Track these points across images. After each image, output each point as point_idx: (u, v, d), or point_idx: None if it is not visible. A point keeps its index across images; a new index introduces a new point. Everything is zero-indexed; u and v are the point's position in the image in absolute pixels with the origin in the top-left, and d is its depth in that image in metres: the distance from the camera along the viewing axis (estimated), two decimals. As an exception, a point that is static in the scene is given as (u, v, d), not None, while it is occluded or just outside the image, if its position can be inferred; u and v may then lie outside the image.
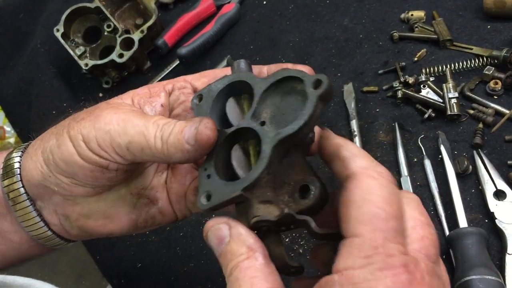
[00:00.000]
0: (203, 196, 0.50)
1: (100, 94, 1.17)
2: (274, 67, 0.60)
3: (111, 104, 0.59)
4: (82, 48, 1.13)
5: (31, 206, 0.61)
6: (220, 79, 0.57)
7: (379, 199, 0.41)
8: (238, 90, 0.57)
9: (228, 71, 0.59)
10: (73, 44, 1.13)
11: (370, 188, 0.42)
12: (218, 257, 0.48)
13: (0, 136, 2.13)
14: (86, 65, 1.10)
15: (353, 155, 0.45)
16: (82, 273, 1.20)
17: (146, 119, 0.55)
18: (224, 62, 1.10)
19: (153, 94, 0.61)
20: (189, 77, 0.63)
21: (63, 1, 1.24)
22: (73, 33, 1.15)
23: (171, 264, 0.88)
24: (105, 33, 1.14)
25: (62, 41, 1.11)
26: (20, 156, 0.62)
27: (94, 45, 1.14)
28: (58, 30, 1.11)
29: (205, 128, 0.52)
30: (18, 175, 0.60)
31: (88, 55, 1.13)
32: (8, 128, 2.11)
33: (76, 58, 1.10)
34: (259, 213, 0.48)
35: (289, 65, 0.58)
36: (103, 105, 0.59)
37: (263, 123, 0.52)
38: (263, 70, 0.60)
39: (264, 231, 0.49)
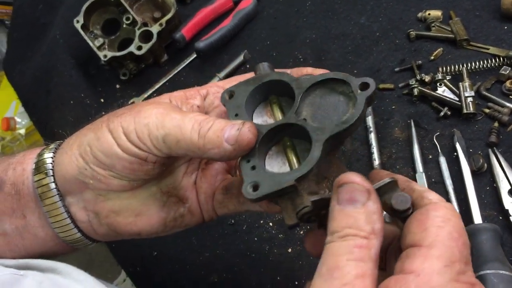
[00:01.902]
0: (249, 186, 0.52)
1: (118, 86, 1.18)
2: (295, 71, 0.61)
3: (151, 101, 0.61)
4: (101, 40, 1.14)
5: (60, 201, 0.62)
6: (251, 78, 0.59)
7: (458, 227, 0.45)
8: (272, 90, 0.59)
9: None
10: (92, 36, 1.15)
11: (450, 216, 0.46)
12: (335, 208, 0.46)
13: (11, 127, 2.14)
14: (105, 56, 1.11)
15: (427, 190, 0.50)
16: (93, 257, 1.22)
17: (184, 113, 0.57)
18: (241, 57, 1.11)
19: (189, 97, 0.63)
20: (221, 83, 0.64)
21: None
22: (92, 24, 1.17)
23: (186, 253, 0.90)
24: (124, 26, 1.15)
25: (82, 32, 1.12)
26: (54, 152, 0.63)
27: (113, 37, 1.16)
28: (78, 22, 1.13)
29: (248, 131, 0.53)
30: (50, 170, 0.61)
31: (106, 46, 1.15)
32: (19, 119, 2.12)
33: (95, 49, 1.12)
34: (308, 203, 0.49)
35: (309, 69, 0.61)
36: (144, 102, 0.61)
37: (304, 120, 0.54)
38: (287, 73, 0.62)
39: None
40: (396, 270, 0.44)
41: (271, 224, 0.89)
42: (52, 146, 0.64)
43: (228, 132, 0.54)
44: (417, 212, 0.47)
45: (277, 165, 0.56)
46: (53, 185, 0.61)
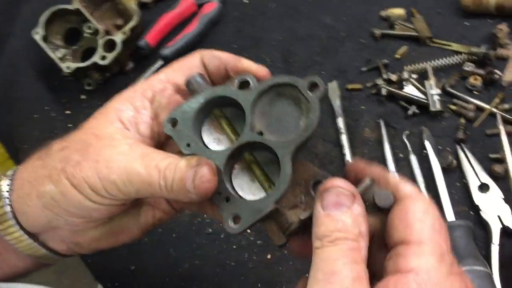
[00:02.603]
0: (229, 220, 0.51)
1: (83, 96, 1.15)
2: (233, 60, 0.59)
3: (102, 138, 0.56)
4: (63, 51, 1.11)
5: (35, 243, 0.60)
6: (190, 98, 0.56)
7: (437, 217, 0.46)
8: (215, 104, 0.57)
9: (194, 56, 0.60)
10: (53, 47, 1.12)
11: (427, 207, 0.47)
12: (320, 213, 0.46)
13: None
14: (68, 67, 1.08)
15: (401, 181, 0.49)
16: (63, 269, 1.20)
17: (146, 164, 0.53)
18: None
19: (138, 109, 0.59)
20: (162, 76, 0.60)
21: (40, 2, 1.22)
22: (53, 35, 1.13)
23: (164, 266, 0.89)
24: (85, 35, 1.13)
25: (42, 44, 1.09)
26: (9, 199, 0.59)
27: (75, 47, 1.13)
28: (37, 33, 1.09)
29: (202, 182, 0.51)
30: (13, 219, 0.58)
31: (69, 57, 1.12)
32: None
33: (57, 61, 1.09)
34: (293, 219, 0.49)
35: (245, 61, 0.59)
36: (94, 140, 0.56)
37: (260, 133, 0.53)
38: (223, 61, 0.60)
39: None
40: (390, 270, 0.44)
41: (248, 231, 0.89)
42: (2, 182, 0.60)
43: (188, 182, 0.52)
44: (396, 208, 0.47)
45: (246, 184, 0.55)
46: (17, 227, 0.58)
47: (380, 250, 0.48)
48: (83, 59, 1.11)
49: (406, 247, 0.44)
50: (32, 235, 0.60)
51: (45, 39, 1.10)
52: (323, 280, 0.43)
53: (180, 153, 0.56)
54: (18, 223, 0.59)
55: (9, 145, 1.11)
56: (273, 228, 0.52)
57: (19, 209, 0.58)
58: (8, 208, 0.58)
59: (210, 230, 0.91)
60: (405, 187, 0.49)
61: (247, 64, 0.59)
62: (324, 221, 0.45)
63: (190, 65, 0.60)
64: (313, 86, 0.51)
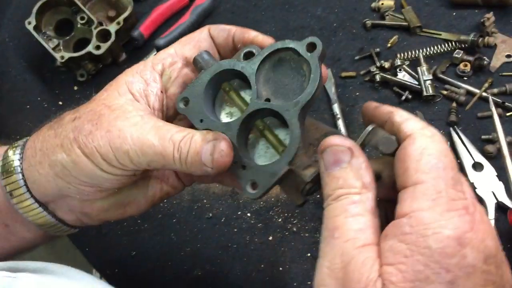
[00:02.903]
0: (248, 187, 0.53)
1: (75, 87, 1.15)
2: (239, 32, 0.61)
3: (114, 109, 0.57)
4: (55, 41, 1.11)
5: (44, 212, 0.61)
6: (199, 76, 0.58)
7: (435, 152, 0.44)
8: (222, 78, 0.59)
9: (202, 30, 0.62)
10: (45, 37, 1.11)
11: (427, 143, 0.45)
12: (324, 174, 0.47)
13: None
14: (62, 57, 1.08)
15: (406, 119, 0.48)
16: (57, 256, 1.19)
17: (160, 135, 0.54)
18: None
19: (148, 82, 0.60)
20: (171, 50, 0.61)
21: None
22: (45, 26, 1.13)
23: (166, 250, 0.89)
24: (78, 26, 1.12)
25: (35, 33, 1.08)
26: (19, 160, 0.60)
27: (68, 37, 1.13)
28: (30, 23, 1.09)
29: (221, 156, 0.53)
30: (24, 187, 0.59)
31: (62, 48, 1.12)
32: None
33: (50, 51, 1.08)
34: (308, 179, 0.51)
35: (252, 33, 0.60)
36: (106, 111, 0.56)
37: (268, 100, 0.55)
38: (231, 33, 0.61)
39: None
40: (394, 215, 0.45)
41: (249, 214, 0.91)
42: (13, 149, 0.61)
43: (204, 155, 0.53)
44: (398, 152, 0.46)
45: (261, 151, 0.57)
46: (28, 195, 0.59)
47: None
48: (75, 50, 1.11)
49: (404, 192, 0.44)
50: (42, 204, 0.60)
51: (37, 29, 1.09)
52: (328, 237, 0.44)
53: (191, 127, 0.58)
54: (29, 191, 0.59)
55: (0, 136, 1.09)
56: (291, 189, 0.53)
57: (30, 177, 0.59)
58: (19, 176, 0.59)
59: (210, 215, 0.92)
60: (407, 126, 0.47)
61: (253, 34, 0.60)
62: (327, 181, 0.47)
63: (199, 39, 0.62)
64: (311, 47, 0.53)
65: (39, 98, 1.13)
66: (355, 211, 0.44)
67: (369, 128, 0.50)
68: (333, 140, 0.47)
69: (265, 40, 0.60)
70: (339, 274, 0.42)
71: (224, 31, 0.62)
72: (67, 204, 0.61)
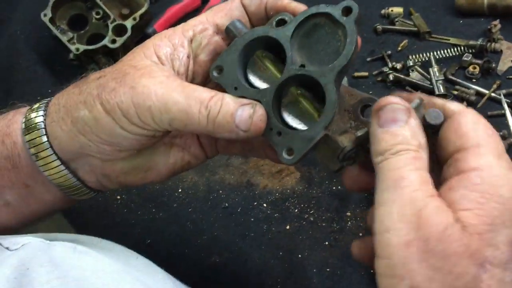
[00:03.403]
0: (284, 153, 0.53)
1: (86, 82, 1.15)
2: (272, 1, 0.60)
3: (140, 69, 0.56)
4: (70, 34, 1.11)
5: (66, 170, 0.60)
6: (232, 43, 0.58)
7: (487, 124, 0.48)
8: (256, 46, 0.58)
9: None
10: (59, 31, 1.12)
11: (478, 118, 0.48)
12: (378, 131, 0.48)
13: None
14: (77, 50, 1.08)
15: (446, 101, 0.51)
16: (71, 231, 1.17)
17: (186, 94, 0.54)
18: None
19: (176, 46, 0.59)
20: (203, 18, 0.61)
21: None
22: (59, 19, 1.13)
23: (183, 238, 0.89)
24: (93, 21, 1.14)
25: (50, 25, 1.09)
26: (43, 116, 0.59)
27: (82, 32, 1.13)
28: (45, 15, 1.09)
29: (260, 121, 0.53)
30: (46, 142, 0.58)
31: (75, 41, 1.12)
32: None
33: (66, 42, 1.09)
34: (345, 144, 0.51)
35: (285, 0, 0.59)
36: (131, 70, 0.56)
37: (303, 66, 0.55)
38: (264, 1, 0.60)
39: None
40: (452, 174, 0.46)
41: (265, 205, 0.91)
42: (36, 107, 0.61)
43: (239, 117, 0.53)
44: (448, 123, 0.49)
45: (296, 117, 0.56)
46: (50, 151, 0.59)
47: (431, 171, 0.49)
48: (89, 45, 1.12)
49: (464, 152, 0.46)
50: (64, 163, 0.60)
51: (52, 22, 1.10)
52: (393, 187, 0.45)
53: None
54: (51, 148, 0.59)
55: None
56: (326, 154, 0.53)
57: (53, 133, 0.58)
58: (42, 132, 0.58)
59: (226, 205, 0.92)
60: (452, 105, 0.50)
61: (286, 1, 0.60)
62: (384, 137, 0.47)
63: (230, 7, 0.61)
64: (347, 11, 0.53)
65: (49, 91, 1.13)
66: (418, 165, 0.45)
67: (417, 101, 0.50)
68: (392, 99, 0.48)
69: (298, 7, 0.59)
70: (412, 219, 0.43)
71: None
72: (88, 164, 0.60)
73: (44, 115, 0.59)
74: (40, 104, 0.61)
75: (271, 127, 0.55)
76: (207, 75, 0.60)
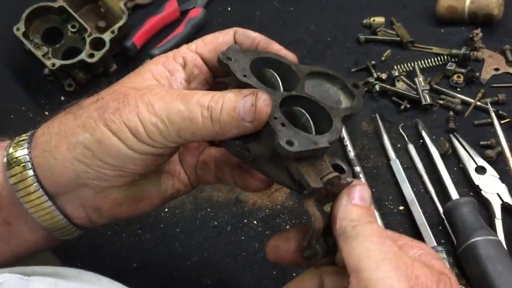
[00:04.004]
0: (284, 141, 0.50)
1: (62, 98, 1.11)
2: (264, 41, 0.61)
3: (141, 89, 0.55)
4: (44, 49, 1.07)
5: (52, 206, 0.57)
6: (245, 51, 0.57)
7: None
8: (266, 66, 0.59)
9: (227, 32, 0.61)
10: (33, 45, 1.07)
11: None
12: (350, 205, 0.52)
13: None
14: (53, 65, 1.04)
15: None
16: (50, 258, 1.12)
17: (186, 100, 0.53)
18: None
19: (172, 72, 0.58)
20: (192, 47, 0.60)
21: (16, 1, 1.17)
22: (32, 33, 1.09)
23: (171, 260, 0.86)
24: (69, 34, 1.10)
25: (24, 40, 1.05)
26: (28, 148, 0.56)
27: (57, 45, 1.09)
28: (18, 29, 1.05)
29: (265, 105, 0.51)
30: (32, 175, 0.55)
31: (50, 56, 1.08)
32: None
33: (41, 58, 1.04)
34: (331, 169, 0.52)
35: (276, 45, 0.62)
36: (132, 91, 0.55)
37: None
38: (255, 41, 0.61)
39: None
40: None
41: (255, 222, 0.89)
42: (19, 140, 0.58)
43: (242, 109, 0.51)
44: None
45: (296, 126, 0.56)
46: (37, 186, 0.56)
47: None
48: (64, 59, 1.08)
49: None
50: (51, 198, 0.57)
51: (25, 36, 1.06)
52: (377, 243, 0.49)
53: None
54: (39, 182, 0.56)
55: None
56: (309, 171, 0.52)
57: (43, 164, 0.55)
58: (28, 165, 0.55)
59: (215, 223, 0.89)
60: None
61: (277, 47, 0.61)
62: (353, 209, 0.52)
63: (222, 42, 0.61)
64: (356, 86, 0.61)
65: (24, 108, 1.09)
66: (380, 235, 0.50)
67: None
68: (360, 184, 0.54)
69: (289, 55, 0.61)
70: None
71: (249, 39, 0.61)
72: (79, 197, 0.57)
73: (29, 148, 0.56)
74: (24, 136, 0.58)
75: (275, 116, 0.53)
76: None
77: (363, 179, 0.89)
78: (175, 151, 0.58)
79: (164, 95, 0.54)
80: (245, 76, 0.54)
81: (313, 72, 0.60)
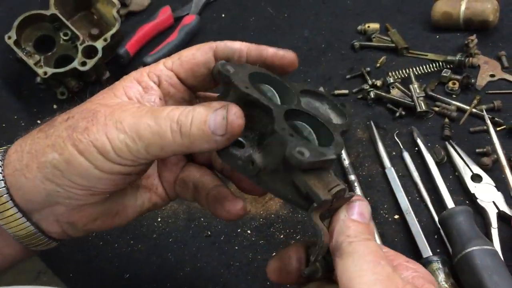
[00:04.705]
0: (296, 150, 0.48)
1: (55, 106, 1.10)
2: (255, 49, 0.58)
3: (111, 106, 0.54)
4: (36, 57, 1.06)
5: (27, 222, 0.57)
6: (238, 65, 0.56)
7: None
8: (265, 81, 0.58)
9: (205, 50, 0.58)
10: (25, 53, 1.06)
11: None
12: (348, 220, 0.51)
13: None
14: (45, 73, 1.03)
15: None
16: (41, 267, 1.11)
17: (156, 115, 0.51)
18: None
19: (147, 89, 0.57)
20: (168, 64, 0.58)
21: (7, 9, 1.16)
22: (24, 41, 1.08)
23: (164, 270, 0.85)
24: (61, 42, 1.09)
25: (15, 48, 1.04)
26: (1, 174, 0.55)
27: (49, 53, 1.08)
28: (10, 38, 1.04)
29: (236, 118, 0.50)
30: (7, 195, 0.55)
31: (42, 64, 1.07)
32: None
33: (33, 66, 1.04)
34: (338, 182, 0.51)
35: (270, 49, 0.59)
36: (102, 108, 0.53)
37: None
38: (242, 53, 0.58)
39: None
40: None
41: (249, 231, 0.88)
42: None
43: (213, 122, 0.50)
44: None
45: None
46: (11, 204, 0.55)
47: None
48: (56, 67, 1.07)
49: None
50: (26, 214, 0.56)
51: (16, 45, 1.05)
52: (373, 261, 0.48)
53: None
54: (12, 200, 0.55)
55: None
56: (316, 183, 0.50)
57: (15, 183, 0.55)
58: (1, 184, 0.54)
59: (209, 233, 0.88)
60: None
61: (272, 51, 0.59)
62: (351, 224, 0.51)
63: (199, 62, 0.58)
64: (344, 106, 0.61)
65: (15, 116, 1.08)
66: (376, 254, 0.49)
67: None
68: (359, 199, 0.54)
69: (287, 55, 0.60)
70: None
71: (234, 51, 0.57)
72: (53, 213, 0.57)
73: (2, 166, 0.55)
74: None
75: (283, 127, 0.51)
76: None
77: (358, 188, 0.88)
78: (146, 169, 0.57)
79: (135, 112, 0.52)
80: (247, 88, 0.53)
81: (304, 90, 0.60)
